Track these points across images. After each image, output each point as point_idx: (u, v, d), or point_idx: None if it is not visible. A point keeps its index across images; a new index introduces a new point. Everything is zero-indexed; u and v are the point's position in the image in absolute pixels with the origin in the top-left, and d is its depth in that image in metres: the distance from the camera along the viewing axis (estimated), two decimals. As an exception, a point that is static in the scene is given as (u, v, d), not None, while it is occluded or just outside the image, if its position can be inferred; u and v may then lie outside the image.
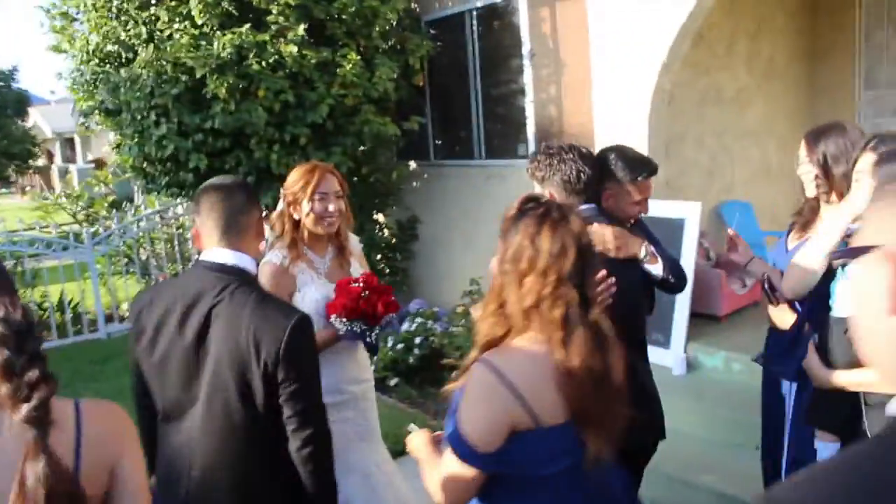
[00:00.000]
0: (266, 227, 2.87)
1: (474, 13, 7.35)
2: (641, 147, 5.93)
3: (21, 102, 17.67)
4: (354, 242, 3.37)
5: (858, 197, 2.51)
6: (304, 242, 3.11)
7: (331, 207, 3.05)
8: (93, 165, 21.85)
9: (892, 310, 0.86)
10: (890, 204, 0.90)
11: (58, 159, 33.94)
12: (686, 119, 6.57)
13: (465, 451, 1.84)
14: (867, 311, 0.91)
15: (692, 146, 6.68)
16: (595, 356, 1.83)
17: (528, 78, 6.89)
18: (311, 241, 3.13)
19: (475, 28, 7.39)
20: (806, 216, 3.09)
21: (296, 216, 3.07)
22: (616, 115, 6.10)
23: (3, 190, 37.61)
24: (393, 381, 6.32)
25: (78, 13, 7.09)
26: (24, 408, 1.42)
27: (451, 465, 1.87)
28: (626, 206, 3.05)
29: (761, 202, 7.27)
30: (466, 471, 1.85)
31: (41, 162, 26.27)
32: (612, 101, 6.14)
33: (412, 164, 8.30)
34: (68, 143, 34.52)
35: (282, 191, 3.15)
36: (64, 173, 27.07)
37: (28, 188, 30.18)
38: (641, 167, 3.06)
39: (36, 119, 29.44)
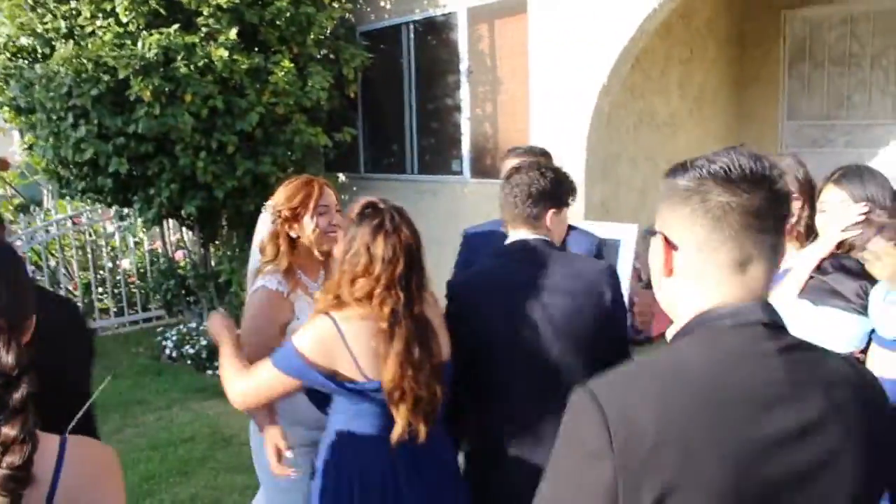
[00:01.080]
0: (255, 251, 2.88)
1: (412, 26, 7.23)
2: (579, 166, 5.93)
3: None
4: None
5: (831, 229, 2.50)
6: (298, 265, 2.83)
7: (334, 221, 2.82)
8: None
9: (665, 273, 1.33)
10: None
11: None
12: (622, 140, 6.60)
13: (286, 360, 2.17)
14: (654, 273, 1.37)
15: (627, 167, 6.71)
16: (414, 345, 2.15)
17: (464, 94, 6.81)
18: (304, 262, 2.90)
19: (412, 41, 7.26)
20: None
21: (293, 234, 2.77)
22: (554, 134, 6.06)
23: None
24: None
25: (-9, 3, 6.65)
26: None
27: (263, 373, 2.23)
28: None
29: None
30: (277, 379, 2.21)
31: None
32: (550, 119, 6.10)
33: (341, 177, 8.11)
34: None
35: (271, 209, 2.85)
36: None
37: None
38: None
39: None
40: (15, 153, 10.03)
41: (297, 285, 2.78)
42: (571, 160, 5.98)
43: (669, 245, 1.32)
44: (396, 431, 2.15)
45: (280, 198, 2.77)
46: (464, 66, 6.74)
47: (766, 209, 1.25)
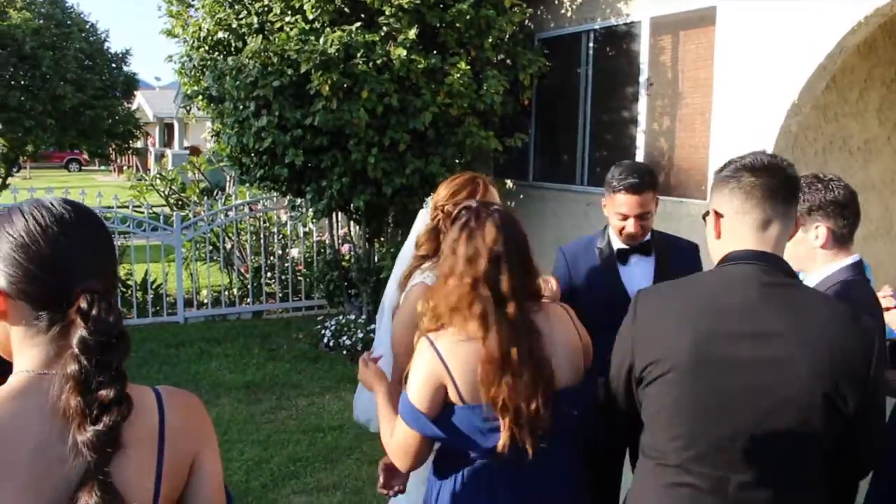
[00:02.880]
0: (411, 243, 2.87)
1: (592, 34, 7.07)
2: (759, 190, 5.56)
3: (129, 85, 18.13)
4: None
5: None
6: None
7: None
8: (188, 152, 22.37)
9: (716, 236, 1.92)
10: None
11: (156, 143, 35.03)
12: (808, 166, 6.14)
13: (409, 415, 2.07)
14: (709, 240, 1.96)
15: (812, 195, 6.24)
16: (512, 347, 2.00)
17: (642, 107, 6.57)
18: None
19: (591, 50, 7.10)
20: None
21: None
22: (736, 153, 5.72)
23: (103, 167, 39.07)
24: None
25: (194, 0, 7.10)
26: (90, 431, 1.23)
27: (399, 429, 2.11)
28: (612, 219, 2.96)
29: (880, 263, 6.76)
30: (411, 436, 2.08)
31: (140, 144, 27.05)
32: (733, 138, 5.77)
33: (509, 183, 8.06)
34: (167, 128, 35.58)
35: (431, 203, 2.84)
36: (160, 157, 27.85)
37: (125, 168, 31.21)
38: (629, 175, 2.92)
39: (140, 103, 30.41)
40: (206, 142, 10.71)
41: None
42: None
43: (718, 215, 1.92)
44: (502, 440, 2.01)
45: (443, 193, 2.73)
46: (643, 77, 6.50)
47: (781, 186, 1.86)
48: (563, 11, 7.30)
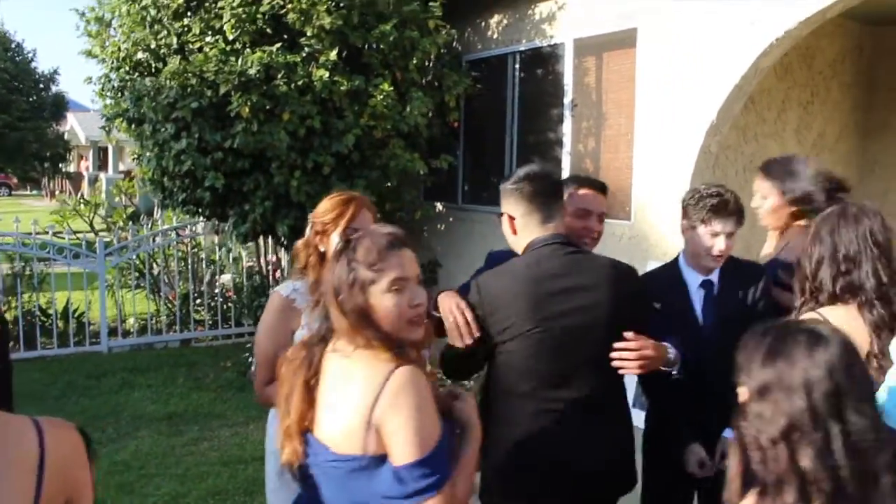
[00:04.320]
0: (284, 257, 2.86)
1: (518, 56, 7.09)
2: (679, 210, 5.59)
3: (58, 106, 17.68)
4: None
5: None
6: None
7: None
8: (122, 176, 21.86)
9: (512, 232, 2.59)
10: None
11: (90, 167, 34.20)
12: (729, 184, 6.20)
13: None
14: (506, 235, 2.63)
15: (733, 214, 6.32)
16: None
17: (567, 128, 6.59)
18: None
19: (517, 72, 7.12)
20: None
21: (321, 248, 2.78)
22: (657, 174, 5.77)
23: (34, 192, 37.99)
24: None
25: (113, 19, 6.91)
26: None
27: None
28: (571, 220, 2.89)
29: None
30: None
31: (72, 168, 26.39)
32: (653, 158, 5.81)
33: (439, 206, 8.01)
34: (102, 152, 34.77)
35: (310, 218, 2.85)
36: (94, 181, 27.17)
37: (57, 192, 30.38)
38: (580, 178, 3.11)
39: (73, 125, 29.68)
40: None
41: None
42: (674, 202, 5.68)
43: (511, 217, 2.54)
44: None
45: (318, 210, 2.77)
46: (567, 99, 6.53)
47: (552, 188, 2.54)
48: (489, 33, 7.32)
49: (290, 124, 6.01)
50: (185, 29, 6.34)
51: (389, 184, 6.71)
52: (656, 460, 3.07)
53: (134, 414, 6.43)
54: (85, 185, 28.24)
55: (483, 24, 7.38)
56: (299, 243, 2.86)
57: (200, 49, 6.17)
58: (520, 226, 2.53)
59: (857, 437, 1.48)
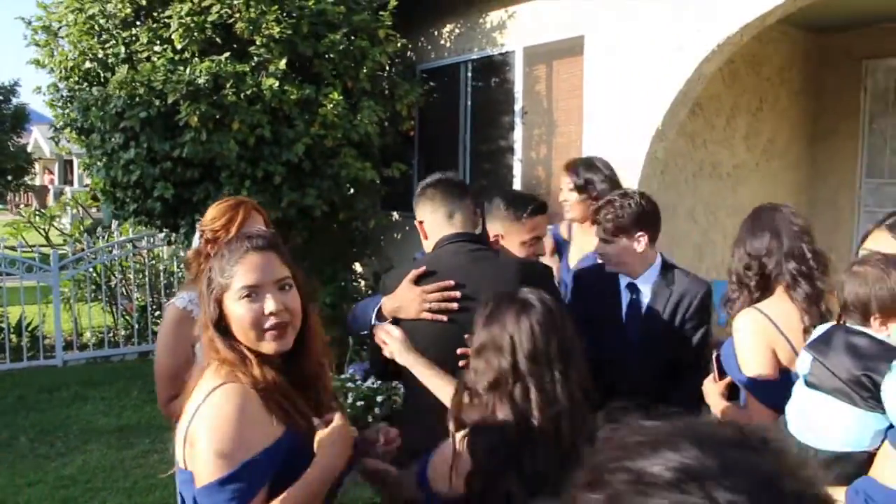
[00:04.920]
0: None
1: (469, 65, 7.12)
2: (628, 216, 5.64)
3: (18, 118, 17.44)
4: None
5: None
6: None
7: None
8: (87, 188, 21.59)
9: (424, 237, 2.68)
10: None
11: (55, 180, 33.80)
12: (679, 191, 6.29)
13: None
14: (423, 239, 2.71)
15: (683, 220, 6.38)
16: None
17: (518, 136, 6.63)
18: None
19: (469, 80, 7.15)
20: None
21: None
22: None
23: (-1, 206, 37.47)
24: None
25: (60, 28, 6.84)
26: None
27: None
28: (516, 248, 2.88)
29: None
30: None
31: (38, 181, 26.03)
32: (601, 165, 5.85)
33: (395, 215, 8.00)
34: (68, 165, 34.44)
35: (198, 227, 2.82)
36: (59, 194, 26.86)
37: (22, 206, 29.97)
38: (526, 203, 2.94)
39: (38, 138, 29.32)
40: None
41: None
42: (621, 207, 5.72)
43: (420, 223, 2.63)
44: None
45: (207, 217, 2.74)
46: (518, 106, 6.57)
47: (453, 187, 2.61)
48: (442, 42, 7.35)
49: (240, 133, 5.98)
50: (133, 38, 6.29)
51: (343, 193, 6.69)
52: None
53: (85, 427, 6.34)
54: (50, 198, 27.92)
55: (436, 33, 7.40)
56: (190, 252, 2.84)
57: (149, 58, 6.13)
58: (428, 228, 2.62)
59: (551, 393, 1.78)
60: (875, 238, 2.37)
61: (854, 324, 2.01)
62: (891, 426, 1.86)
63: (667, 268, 3.01)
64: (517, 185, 6.63)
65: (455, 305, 2.44)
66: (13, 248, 9.06)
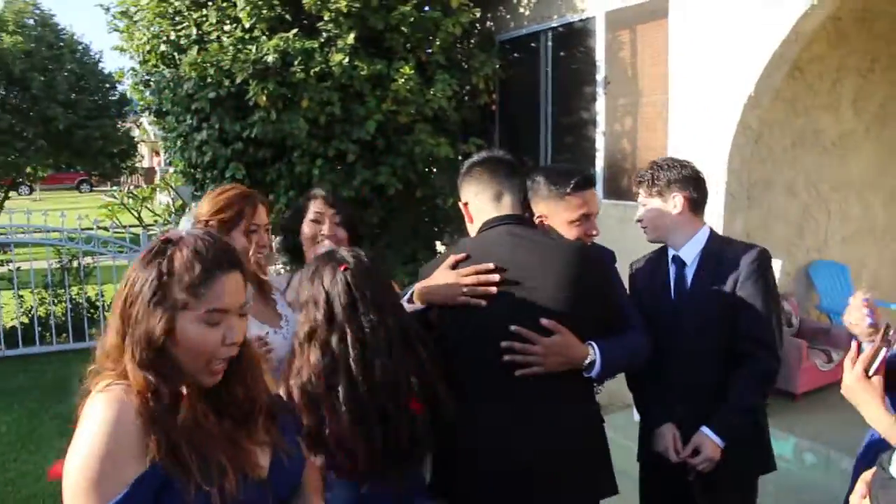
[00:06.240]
0: None
1: (550, 34, 6.76)
2: (718, 191, 5.22)
3: (122, 104, 18.03)
4: (274, 278, 2.85)
5: None
6: None
7: (262, 242, 2.60)
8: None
9: (469, 220, 2.44)
10: None
11: (163, 162, 34.99)
12: (775, 163, 5.79)
13: None
14: (467, 223, 2.48)
15: (781, 194, 5.88)
16: None
17: (600, 107, 6.25)
18: None
19: (550, 50, 6.79)
20: None
21: None
22: (694, 153, 5.36)
23: (114, 187, 39.16)
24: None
25: (136, 12, 6.85)
26: None
27: None
28: (563, 229, 2.56)
29: (863, 265, 6.38)
30: None
31: (146, 163, 26.90)
32: (690, 136, 5.43)
33: (475, 192, 7.73)
34: (174, 146, 35.55)
35: (195, 218, 2.62)
36: (165, 174, 27.81)
37: (132, 188, 31.21)
38: (570, 176, 2.59)
39: (144, 122, 30.38)
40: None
41: None
42: (711, 183, 5.28)
43: (465, 205, 2.40)
44: None
45: (210, 208, 2.53)
46: (600, 76, 6.18)
47: (501, 166, 2.36)
48: (521, 10, 7.00)
49: (310, 112, 5.83)
50: (203, 18, 6.21)
51: (419, 170, 6.47)
52: (648, 457, 2.82)
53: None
54: (157, 179, 28.95)
55: (515, 1, 7.06)
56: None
57: (218, 39, 6.04)
58: (473, 210, 2.37)
59: (364, 337, 1.99)
60: None
61: None
62: None
63: (715, 238, 2.75)
64: (600, 158, 6.26)
65: (494, 290, 2.18)
66: (106, 229, 9.29)
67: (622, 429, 2.96)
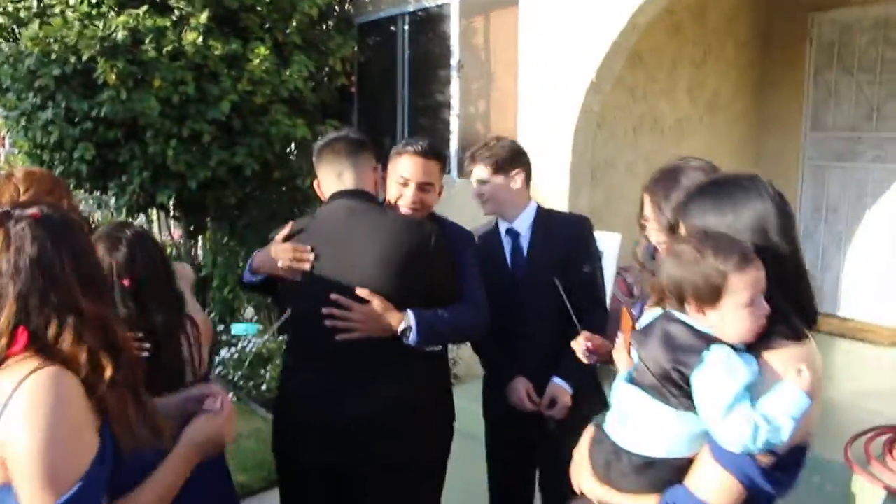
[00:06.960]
0: None
1: (407, 18, 6.89)
2: (563, 170, 5.51)
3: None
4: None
5: None
6: None
7: None
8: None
9: (321, 195, 2.72)
10: None
11: (7, 142, 32.88)
12: (618, 145, 6.16)
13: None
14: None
15: (623, 174, 6.25)
16: None
17: (454, 90, 6.44)
18: None
19: (407, 34, 6.92)
20: None
21: None
22: (541, 135, 5.66)
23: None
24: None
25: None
26: None
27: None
28: (394, 192, 2.75)
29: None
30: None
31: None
32: (537, 119, 5.70)
33: (336, 173, 7.79)
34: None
35: None
36: (10, 156, 26.14)
37: (-26, 170, 29.17)
38: (407, 143, 2.84)
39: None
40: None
41: None
42: (558, 163, 5.58)
43: (318, 181, 2.63)
44: None
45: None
46: (454, 60, 6.37)
47: (345, 145, 2.60)
48: (379, -6, 7.10)
49: (163, 91, 5.72)
50: (47, -10, 5.97)
51: (276, 151, 6.46)
52: (495, 412, 3.09)
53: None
54: (1, 160, 27.19)
55: (373, -16, 7.15)
56: None
57: (62, 13, 5.82)
58: (323, 188, 2.62)
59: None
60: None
61: (673, 310, 1.68)
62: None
63: (541, 211, 3.07)
64: (454, 140, 6.46)
65: (306, 266, 2.44)
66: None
67: (477, 397, 3.15)
